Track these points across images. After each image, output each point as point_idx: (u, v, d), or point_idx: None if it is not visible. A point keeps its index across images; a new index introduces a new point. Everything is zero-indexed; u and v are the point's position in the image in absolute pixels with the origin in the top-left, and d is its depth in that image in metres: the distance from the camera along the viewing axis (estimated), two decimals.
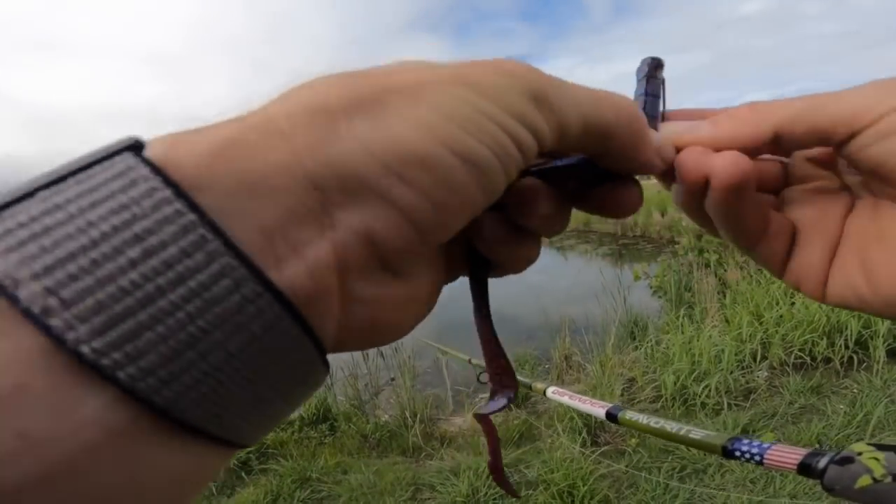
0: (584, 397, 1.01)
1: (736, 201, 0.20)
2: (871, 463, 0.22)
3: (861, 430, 1.94)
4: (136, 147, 0.12)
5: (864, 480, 0.21)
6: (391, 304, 0.17)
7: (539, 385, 1.21)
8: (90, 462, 0.10)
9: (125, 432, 0.11)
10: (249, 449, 3.20)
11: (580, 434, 2.90)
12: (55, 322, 0.10)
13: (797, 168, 0.23)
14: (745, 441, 0.63)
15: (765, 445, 0.58)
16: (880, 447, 0.23)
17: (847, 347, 2.90)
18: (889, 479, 0.21)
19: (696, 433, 0.72)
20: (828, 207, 0.22)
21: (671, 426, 0.78)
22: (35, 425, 0.10)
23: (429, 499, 2.56)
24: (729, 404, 2.72)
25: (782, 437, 2.16)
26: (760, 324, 3.35)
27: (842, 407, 2.28)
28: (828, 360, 2.94)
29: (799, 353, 3.02)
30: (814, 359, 2.99)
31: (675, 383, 2.99)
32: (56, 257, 0.10)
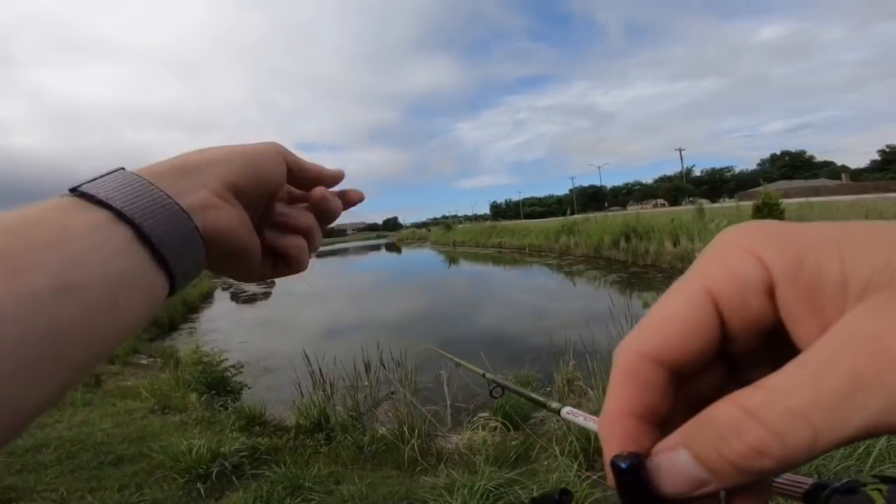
0: (598, 418, 1.00)
1: None
2: (874, 494, 0.23)
3: (861, 462, 1.89)
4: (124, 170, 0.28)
5: None
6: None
7: (554, 405, 1.19)
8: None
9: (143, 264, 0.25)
10: (242, 452, 3.18)
11: (577, 457, 2.85)
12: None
13: None
14: None
15: None
16: (884, 479, 0.24)
17: None
18: None
19: None
20: None
21: None
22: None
23: None
24: None
25: None
26: None
27: None
28: None
29: None
30: None
31: None
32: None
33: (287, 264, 0.37)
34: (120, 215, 0.25)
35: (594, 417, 1.00)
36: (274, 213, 0.37)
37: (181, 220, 0.27)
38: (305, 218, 0.37)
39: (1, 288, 0.19)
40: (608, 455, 0.17)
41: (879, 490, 0.22)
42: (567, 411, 1.04)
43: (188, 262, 0.28)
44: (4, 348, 0.18)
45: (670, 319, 0.18)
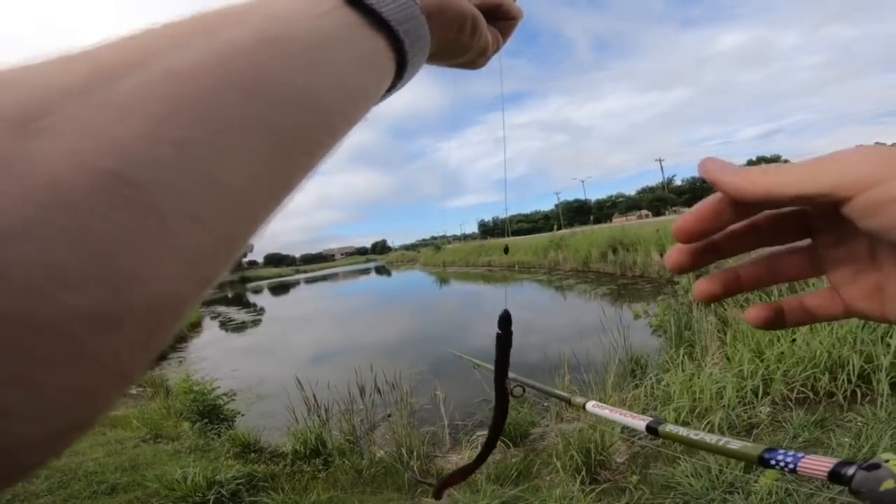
0: (623, 410, 1.02)
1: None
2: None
3: (870, 458, 1.91)
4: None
5: (888, 484, 0.22)
6: None
7: (578, 399, 1.20)
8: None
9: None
10: (239, 480, 3.11)
11: (579, 472, 2.82)
12: None
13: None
14: (781, 452, 0.65)
15: (799, 455, 0.60)
16: None
17: (850, 382, 2.87)
18: None
19: (734, 444, 0.74)
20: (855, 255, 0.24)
21: (710, 438, 0.80)
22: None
23: None
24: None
25: None
26: (762, 360, 3.32)
27: (846, 440, 2.24)
28: (831, 395, 2.90)
29: (801, 389, 2.99)
30: (816, 393, 2.95)
31: (675, 420, 2.94)
32: None
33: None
34: None
35: (620, 410, 1.02)
36: None
37: None
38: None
39: (200, 44, 0.17)
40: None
41: None
42: (592, 405, 1.06)
43: (408, 22, 0.26)
44: (204, 99, 0.16)
45: None
